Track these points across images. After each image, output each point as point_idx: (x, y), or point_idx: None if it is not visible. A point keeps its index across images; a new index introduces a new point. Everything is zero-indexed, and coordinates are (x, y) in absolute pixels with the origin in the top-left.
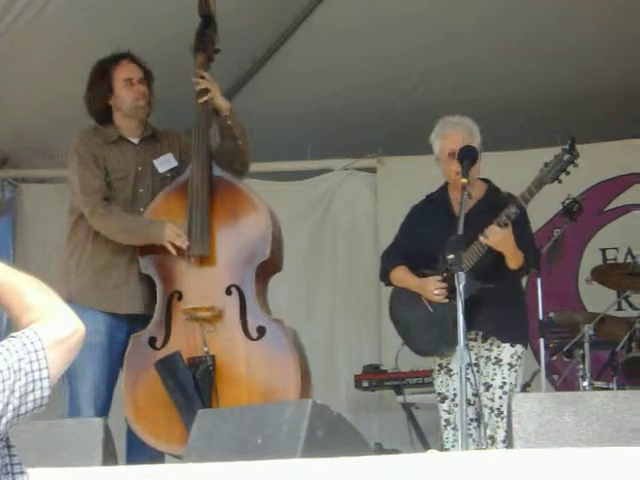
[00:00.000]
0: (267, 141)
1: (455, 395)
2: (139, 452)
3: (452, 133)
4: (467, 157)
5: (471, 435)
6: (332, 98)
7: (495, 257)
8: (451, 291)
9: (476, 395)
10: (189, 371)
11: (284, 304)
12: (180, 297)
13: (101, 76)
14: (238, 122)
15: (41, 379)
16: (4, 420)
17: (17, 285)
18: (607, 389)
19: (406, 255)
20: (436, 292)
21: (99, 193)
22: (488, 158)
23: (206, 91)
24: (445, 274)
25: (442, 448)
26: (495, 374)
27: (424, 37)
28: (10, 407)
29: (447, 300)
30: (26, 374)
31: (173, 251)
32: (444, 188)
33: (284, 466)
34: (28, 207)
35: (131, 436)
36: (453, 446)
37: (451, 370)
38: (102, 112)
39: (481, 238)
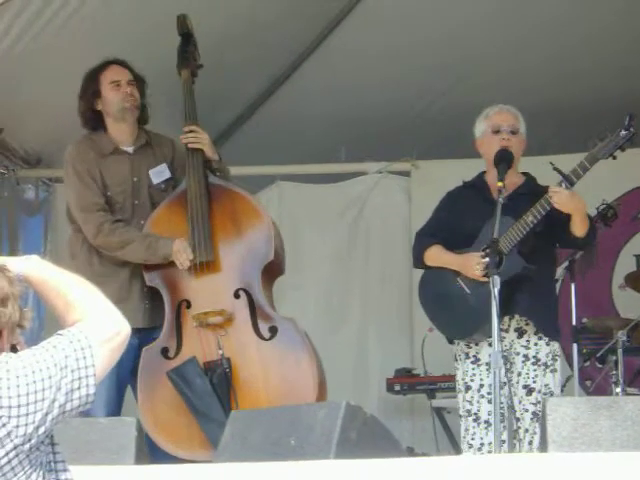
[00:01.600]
0: (302, 143)
1: (481, 386)
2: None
3: (499, 112)
4: (503, 160)
5: (504, 429)
6: (367, 101)
7: (537, 240)
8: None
9: (502, 389)
10: (206, 376)
11: (315, 307)
12: (189, 305)
13: (89, 82)
14: (226, 172)
15: (87, 377)
16: (50, 417)
17: (61, 283)
18: None
19: (441, 235)
20: (477, 267)
21: (101, 210)
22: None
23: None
24: (487, 251)
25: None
26: (536, 375)
27: (458, 39)
28: (56, 404)
29: (486, 279)
30: (72, 371)
31: (181, 267)
32: (481, 175)
33: (317, 467)
34: (61, 207)
35: (151, 445)
36: (473, 439)
37: (479, 360)
38: (92, 119)
39: (546, 197)
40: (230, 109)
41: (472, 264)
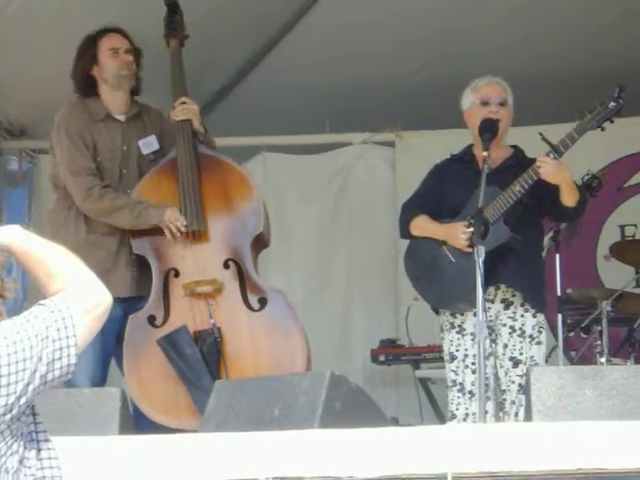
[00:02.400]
0: (286, 114)
1: (466, 356)
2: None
3: (488, 83)
4: (487, 130)
5: (488, 399)
6: (352, 72)
7: (525, 211)
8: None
9: (487, 359)
10: (196, 345)
11: (300, 277)
12: (177, 274)
13: (87, 47)
14: (212, 144)
15: (68, 347)
16: (31, 387)
17: (43, 253)
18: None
19: (427, 206)
20: (463, 236)
21: (91, 175)
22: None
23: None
24: (472, 221)
25: (450, 412)
26: (522, 347)
27: (441, 8)
28: (38, 374)
29: (471, 250)
30: (54, 341)
31: (170, 236)
32: (469, 148)
33: (301, 437)
34: (45, 178)
35: (138, 413)
36: (457, 409)
37: (464, 330)
38: (86, 84)
39: (534, 167)
40: (215, 80)
41: (457, 233)
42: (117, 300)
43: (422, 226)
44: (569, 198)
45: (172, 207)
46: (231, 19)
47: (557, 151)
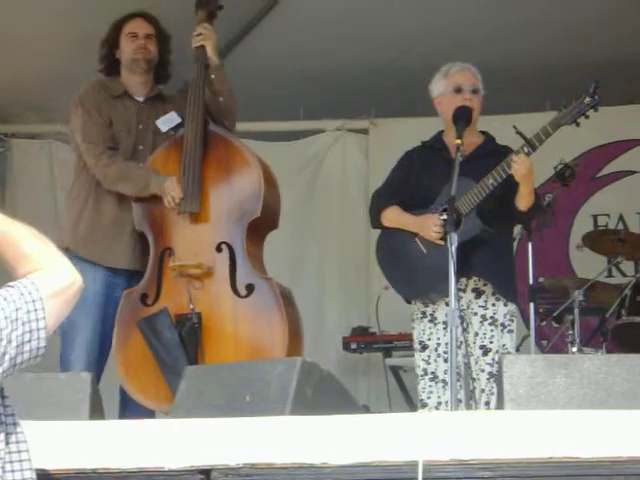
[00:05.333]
0: (260, 101)
1: (438, 345)
2: (131, 411)
3: (460, 70)
4: (461, 118)
5: (460, 388)
6: (326, 59)
7: (496, 203)
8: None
9: (458, 347)
10: (175, 329)
11: (273, 264)
12: (172, 254)
13: (112, 31)
14: (222, 79)
15: (38, 329)
16: (0, 370)
17: (13, 234)
18: None
19: (399, 196)
20: (435, 229)
21: (103, 143)
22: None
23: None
24: (444, 214)
25: (421, 402)
26: (493, 336)
27: (417, 2)
28: (7, 357)
29: (443, 242)
30: (23, 324)
31: (169, 204)
32: (439, 134)
33: (272, 423)
34: (17, 162)
35: (123, 395)
36: (429, 397)
37: (436, 319)
38: (109, 66)
39: (508, 160)
40: (189, 67)
41: (429, 225)
42: (122, 279)
43: (394, 217)
44: (524, 202)
45: (172, 177)
46: None
47: (531, 145)
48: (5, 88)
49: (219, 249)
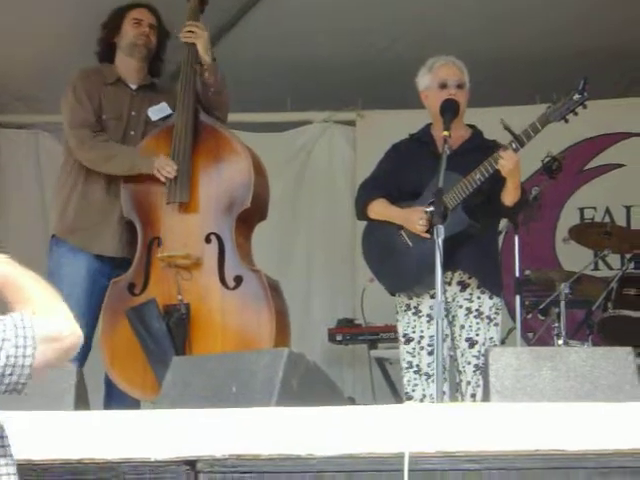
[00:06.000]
0: (247, 92)
1: (422, 337)
2: (117, 401)
3: (445, 64)
4: (449, 110)
5: (445, 380)
6: (313, 50)
7: (482, 198)
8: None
9: (444, 341)
10: (163, 319)
11: (260, 256)
12: (160, 244)
13: (115, 16)
14: (216, 76)
15: (22, 366)
16: None
17: (17, 278)
18: None
19: (385, 189)
20: (420, 222)
21: (88, 127)
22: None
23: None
24: (430, 207)
25: (406, 394)
26: (479, 329)
27: None
28: None
29: (428, 236)
30: (8, 357)
31: (162, 178)
32: (427, 128)
33: (258, 414)
34: (5, 152)
35: (109, 384)
36: (414, 390)
37: (420, 312)
38: (105, 50)
39: (495, 155)
40: (175, 56)
41: (415, 219)
42: (108, 266)
43: (380, 210)
44: (510, 197)
45: (161, 155)
46: None
47: (519, 141)
48: None
49: (208, 240)
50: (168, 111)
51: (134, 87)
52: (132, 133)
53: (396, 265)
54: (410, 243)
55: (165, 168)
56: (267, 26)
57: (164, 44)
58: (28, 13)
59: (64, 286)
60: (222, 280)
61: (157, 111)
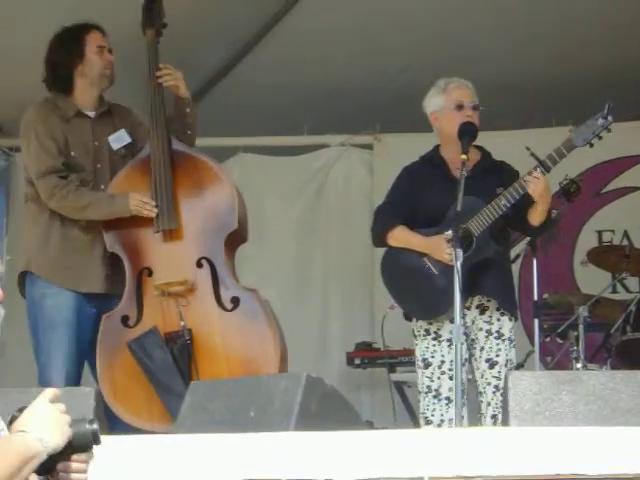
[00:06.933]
0: (264, 115)
1: (442, 362)
2: (120, 430)
3: (459, 86)
4: (467, 134)
5: (464, 405)
6: (330, 74)
7: (503, 222)
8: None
9: (463, 365)
10: (167, 347)
11: (276, 280)
12: (150, 273)
13: (72, 41)
14: (194, 113)
15: None
16: None
17: None
18: None
19: (403, 215)
20: (448, 250)
21: (54, 174)
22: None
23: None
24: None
25: (425, 419)
26: (499, 350)
27: (422, 13)
28: None
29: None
30: None
31: (145, 214)
32: (437, 150)
33: (277, 439)
34: (22, 176)
35: (111, 418)
36: (432, 415)
37: (441, 336)
38: (64, 79)
39: (520, 181)
40: (192, 81)
41: (443, 247)
42: (92, 297)
43: (402, 238)
44: (539, 216)
45: (133, 193)
46: (210, 19)
47: (545, 166)
48: (9, 102)
49: (199, 264)
50: (127, 140)
51: (92, 115)
52: (99, 166)
53: (421, 293)
54: (435, 271)
55: (144, 207)
56: (283, 52)
57: None
58: (36, 36)
59: (53, 323)
60: (219, 303)
61: (117, 140)
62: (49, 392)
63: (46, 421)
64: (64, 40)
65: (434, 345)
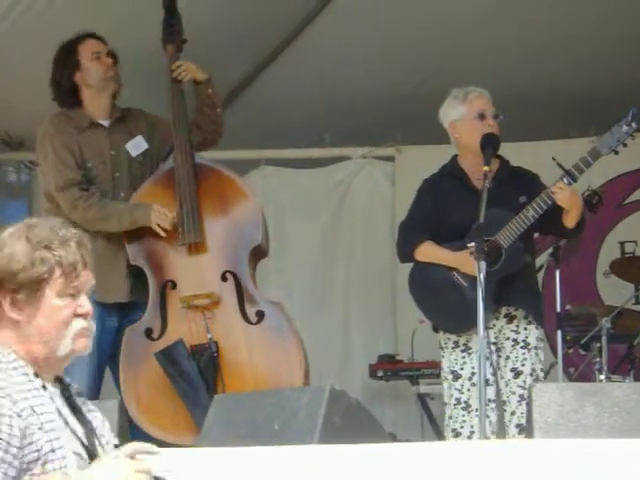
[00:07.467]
0: (285, 128)
1: (473, 374)
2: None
3: (480, 95)
4: (490, 145)
5: (489, 417)
6: (351, 86)
7: (530, 232)
8: (490, 264)
9: (494, 375)
10: (193, 360)
11: (299, 291)
12: (174, 286)
13: (67, 54)
14: (217, 91)
15: None
16: None
17: None
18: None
19: (429, 229)
20: None
21: (76, 186)
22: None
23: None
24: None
25: (453, 431)
26: (525, 359)
27: (440, 25)
28: None
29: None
30: None
31: (162, 233)
32: (455, 160)
33: (301, 452)
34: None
35: (133, 431)
36: (462, 427)
37: (470, 348)
38: (70, 93)
39: (547, 192)
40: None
41: (471, 261)
42: (113, 308)
43: (430, 253)
44: (573, 220)
45: (155, 205)
46: (231, 32)
47: (571, 176)
48: (31, 117)
49: (224, 278)
50: (145, 146)
51: (107, 124)
52: (117, 175)
53: (451, 307)
54: (465, 284)
55: (164, 220)
56: (305, 64)
57: (117, 69)
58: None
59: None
60: (244, 316)
61: (135, 146)
62: (130, 446)
63: (111, 476)
64: (60, 56)
65: (463, 357)
